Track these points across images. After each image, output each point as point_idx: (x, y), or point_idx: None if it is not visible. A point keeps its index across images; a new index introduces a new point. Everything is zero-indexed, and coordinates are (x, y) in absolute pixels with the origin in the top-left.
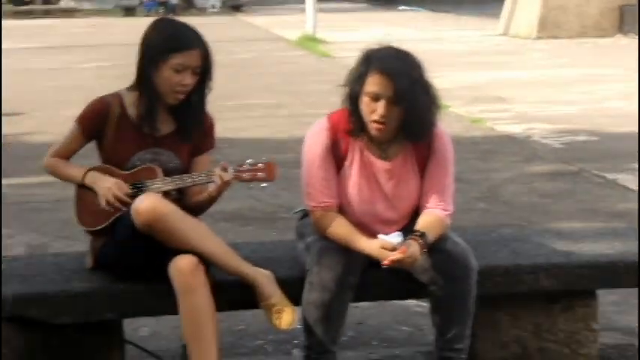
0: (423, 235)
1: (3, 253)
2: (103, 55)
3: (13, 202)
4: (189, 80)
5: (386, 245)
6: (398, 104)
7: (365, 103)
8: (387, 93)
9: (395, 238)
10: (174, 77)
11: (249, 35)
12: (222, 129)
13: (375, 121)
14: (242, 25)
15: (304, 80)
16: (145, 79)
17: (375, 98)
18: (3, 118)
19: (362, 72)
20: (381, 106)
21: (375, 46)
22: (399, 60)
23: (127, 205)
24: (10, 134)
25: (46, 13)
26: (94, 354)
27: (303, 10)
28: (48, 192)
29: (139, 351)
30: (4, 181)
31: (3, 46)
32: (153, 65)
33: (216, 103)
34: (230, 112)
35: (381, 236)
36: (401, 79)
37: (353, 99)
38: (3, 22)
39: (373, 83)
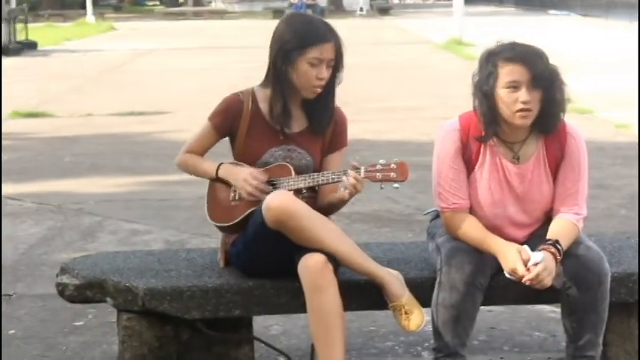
0: (556, 242)
1: (142, 248)
2: (249, 57)
3: (155, 199)
4: (325, 73)
5: (523, 253)
6: (537, 87)
7: (504, 96)
8: (525, 77)
9: (536, 258)
10: (310, 71)
11: (396, 38)
12: (364, 130)
13: (521, 110)
14: (389, 28)
15: (449, 83)
16: (279, 75)
17: (515, 87)
18: (147, 116)
19: (490, 70)
20: (523, 93)
21: (493, 45)
22: (524, 46)
23: (266, 193)
24: (153, 132)
25: (196, 15)
26: (223, 350)
27: (450, 14)
28: (189, 189)
29: (267, 349)
30: (145, 179)
31: (154, 46)
32: (288, 60)
33: (359, 104)
34: (373, 113)
35: (526, 249)
36: (534, 61)
37: (487, 99)
38: (155, 23)
39: (507, 73)
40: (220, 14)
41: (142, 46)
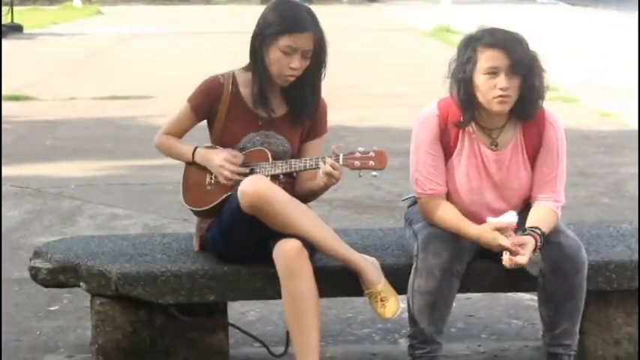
0: (537, 228)
1: (120, 233)
2: (236, 42)
3: (136, 183)
4: (297, 63)
5: (500, 226)
6: (516, 74)
7: (482, 82)
8: (505, 63)
9: (507, 218)
10: (282, 59)
11: (383, 25)
12: (348, 117)
13: (500, 96)
14: (377, 15)
15: (435, 70)
16: (257, 59)
17: (493, 73)
18: (131, 101)
19: (469, 55)
20: (502, 79)
21: (472, 31)
22: (504, 32)
23: (244, 176)
24: (136, 116)
25: (183, 0)
26: (197, 335)
27: (438, 1)
28: (170, 174)
29: (243, 335)
30: (126, 163)
31: (140, 31)
32: (264, 44)
33: (344, 90)
34: (358, 100)
35: (490, 219)
36: (514, 47)
37: (464, 85)
38: (143, 7)
39: (487, 59)
40: None
41: (129, 31)
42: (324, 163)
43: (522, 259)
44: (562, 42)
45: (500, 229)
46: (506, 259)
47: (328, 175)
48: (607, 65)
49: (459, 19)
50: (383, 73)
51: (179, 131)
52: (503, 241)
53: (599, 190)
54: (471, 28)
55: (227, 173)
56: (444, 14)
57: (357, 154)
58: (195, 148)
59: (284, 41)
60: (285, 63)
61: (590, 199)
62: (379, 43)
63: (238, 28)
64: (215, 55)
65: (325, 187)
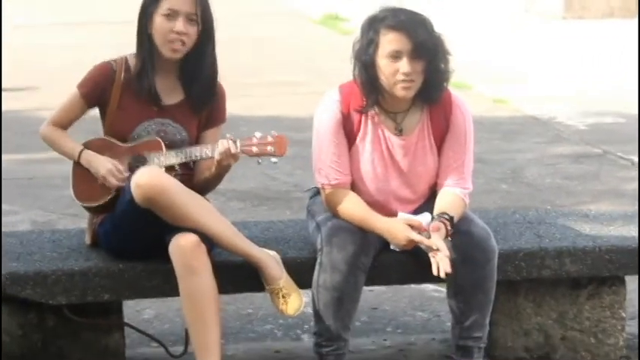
0: (444, 214)
1: (5, 230)
2: (124, 31)
3: (20, 177)
4: (182, 27)
5: (412, 222)
6: (420, 57)
7: (384, 66)
8: (407, 47)
9: (420, 217)
10: (165, 24)
11: (271, 12)
12: (240, 106)
13: (402, 81)
14: (264, 1)
15: (325, 58)
16: (142, 35)
17: (396, 57)
18: (16, 92)
19: (371, 37)
20: (404, 63)
21: (374, 12)
22: (408, 13)
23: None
24: (21, 109)
25: None
26: (92, 337)
27: None
28: (56, 167)
29: (140, 334)
30: (11, 157)
31: (22, 21)
32: (148, 17)
33: (235, 79)
34: (249, 88)
35: (401, 214)
36: (416, 30)
37: (366, 69)
38: None
39: (389, 42)
40: None
41: (11, 21)
42: (221, 149)
43: (444, 263)
44: (447, 26)
45: (411, 225)
46: (435, 269)
47: (224, 154)
48: (496, 50)
49: (348, 6)
50: (272, 61)
51: (68, 120)
52: (414, 235)
53: (498, 177)
54: (362, 16)
55: (113, 181)
56: (333, 1)
57: (255, 140)
58: (82, 150)
59: (165, 4)
60: (168, 28)
61: (488, 185)
62: (268, 29)
63: (126, 17)
64: (102, 45)
65: (220, 173)
